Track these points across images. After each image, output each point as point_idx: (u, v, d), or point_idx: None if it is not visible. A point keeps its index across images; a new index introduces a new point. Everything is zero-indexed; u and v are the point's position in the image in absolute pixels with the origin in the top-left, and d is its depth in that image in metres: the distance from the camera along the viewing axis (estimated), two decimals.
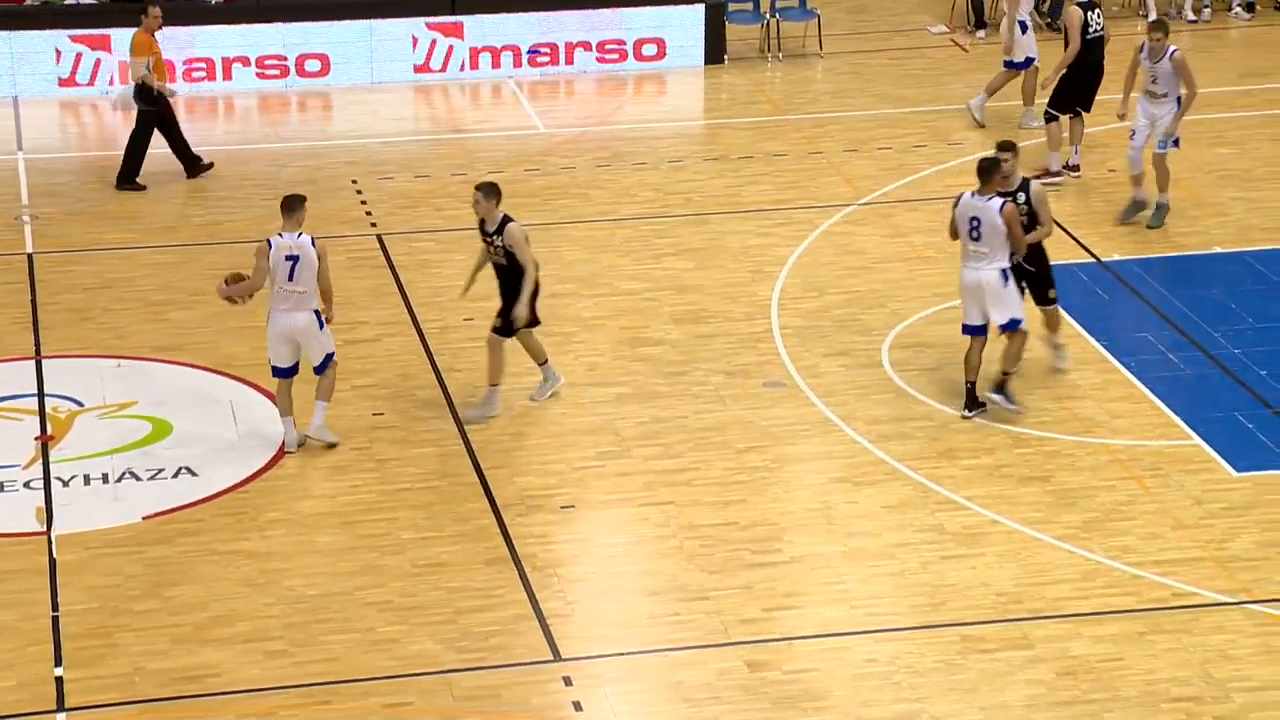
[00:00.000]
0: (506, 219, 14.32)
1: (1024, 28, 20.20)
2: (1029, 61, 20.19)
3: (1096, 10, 18.70)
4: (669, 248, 17.72)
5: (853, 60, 22.75)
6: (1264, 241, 17.57)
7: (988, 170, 14.37)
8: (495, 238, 14.34)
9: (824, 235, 17.93)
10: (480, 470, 13.99)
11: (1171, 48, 17.47)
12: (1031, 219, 14.64)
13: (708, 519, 13.36)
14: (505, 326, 14.51)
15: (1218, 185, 18.86)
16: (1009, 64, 20.30)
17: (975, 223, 14.35)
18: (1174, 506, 13.49)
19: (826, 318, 16.23)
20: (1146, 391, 15.01)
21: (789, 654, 11.93)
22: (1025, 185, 14.68)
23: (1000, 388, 14.66)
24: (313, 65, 21.87)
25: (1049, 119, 18.79)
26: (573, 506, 13.58)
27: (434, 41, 22.04)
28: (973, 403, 14.63)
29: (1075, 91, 18.65)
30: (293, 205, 14.06)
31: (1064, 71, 18.59)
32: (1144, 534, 13.16)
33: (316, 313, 13.97)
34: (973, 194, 14.44)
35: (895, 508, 13.51)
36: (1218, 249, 17.49)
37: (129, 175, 19.06)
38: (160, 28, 19.18)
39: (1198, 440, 14.31)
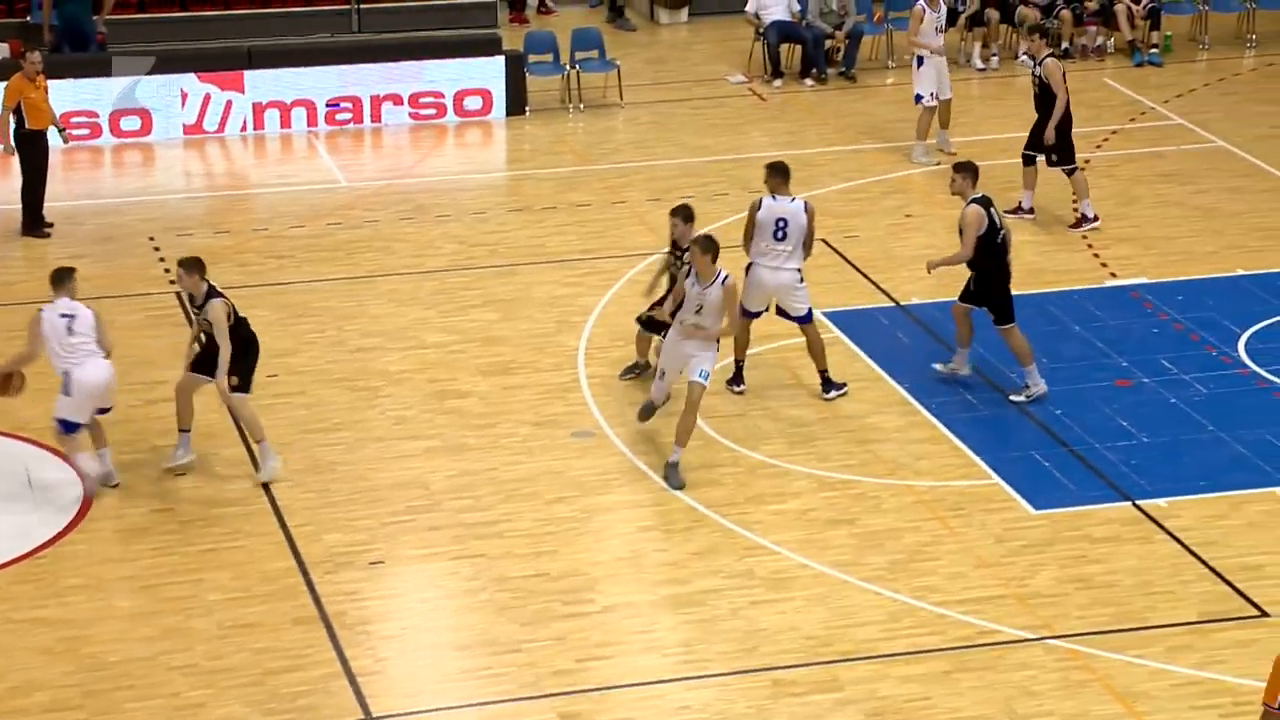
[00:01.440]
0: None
1: (919, 63, 20.65)
2: (919, 98, 20.64)
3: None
4: (476, 299, 17.68)
5: (654, 110, 22.94)
6: (1055, 283, 17.99)
7: (784, 170, 15.40)
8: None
9: (629, 284, 18.02)
10: (286, 528, 13.81)
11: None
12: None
13: (519, 571, 13.32)
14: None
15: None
16: (917, 99, 20.76)
17: (782, 223, 15.20)
18: (976, 545, 13.73)
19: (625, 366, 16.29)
20: (948, 433, 15.27)
21: (603, 704, 11.91)
22: None
23: (827, 384, 15.56)
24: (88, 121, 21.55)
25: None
26: (382, 562, 13.45)
27: (209, 96, 21.78)
28: (738, 379, 15.66)
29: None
30: (61, 278, 14.07)
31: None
32: (948, 573, 13.37)
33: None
34: (774, 197, 15.15)
35: (704, 554, 13.58)
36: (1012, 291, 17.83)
37: (34, 221, 18.91)
38: (39, 74, 18.83)
39: (997, 480, 14.59)
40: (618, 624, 12.76)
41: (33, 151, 18.90)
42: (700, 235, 14.71)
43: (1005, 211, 18.59)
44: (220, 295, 14.16)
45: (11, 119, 18.80)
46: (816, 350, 15.70)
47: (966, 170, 15.53)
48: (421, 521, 13.97)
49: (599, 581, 13.23)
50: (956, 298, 15.77)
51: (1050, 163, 19.05)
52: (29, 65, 18.86)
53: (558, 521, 13.97)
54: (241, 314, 14.27)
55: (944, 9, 21.09)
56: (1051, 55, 19.00)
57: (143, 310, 17.25)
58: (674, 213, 15.47)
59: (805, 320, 15.62)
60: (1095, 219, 19.05)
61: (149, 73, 21.53)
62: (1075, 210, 19.24)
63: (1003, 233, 15.51)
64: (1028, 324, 15.95)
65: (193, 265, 14.23)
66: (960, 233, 15.49)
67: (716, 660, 12.36)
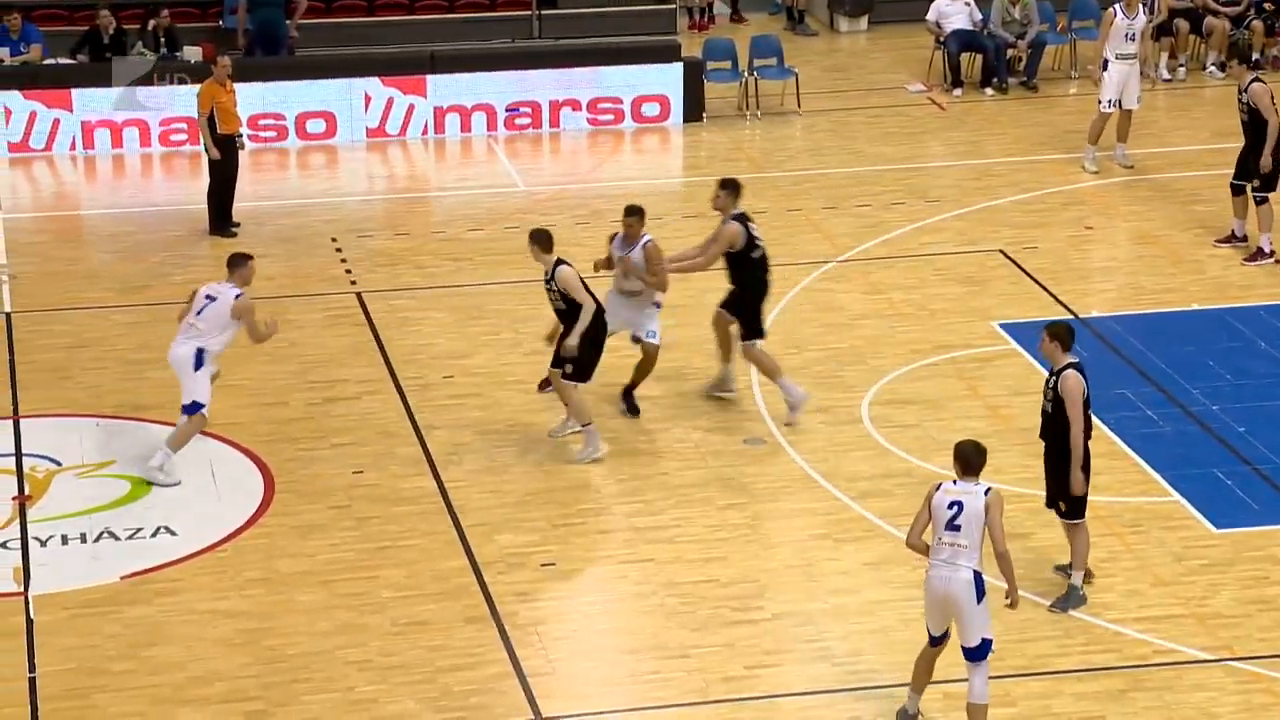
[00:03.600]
0: (560, 262, 14.63)
1: (1105, 66, 20.37)
2: (1108, 102, 20.31)
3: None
4: None
5: (831, 118, 22.86)
6: (1240, 298, 17.64)
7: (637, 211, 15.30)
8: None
9: (803, 292, 17.97)
10: (460, 527, 13.94)
11: None
12: None
13: (689, 576, 13.32)
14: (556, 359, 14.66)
15: (1194, 244, 18.95)
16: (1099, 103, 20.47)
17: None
18: (1154, 563, 13.49)
19: (806, 374, 16.23)
20: (1126, 449, 15.02)
21: (771, 712, 11.88)
22: None
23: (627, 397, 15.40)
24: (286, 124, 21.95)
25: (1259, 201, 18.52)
26: (553, 564, 13.53)
27: (392, 100, 22.11)
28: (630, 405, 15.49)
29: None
30: (233, 263, 14.59)
31: None
32: (1125, 590, 13.15)
33: (199, 350, 14.22)
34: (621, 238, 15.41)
35: (876, 564, 13.48)
36: (1195, 306, 17.56)
37: (222, 221, 19.26)
38: (228, 78, 19.23)
39: (1177, 497, 14.33)
40: (787, 631, 12.72)
41: (223, 156, 19.26)
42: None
43: (1217, 241, 18.29)
44: (566, 263, 14.55)
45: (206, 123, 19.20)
46: (644, 369, 15.46)
47: (730, 187, 15.47)
48: (592, 524, 14.03)
49: (769, 589, 13.20)
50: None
51: (1254, 188, 18.43)
52: (220, 69, 19.26)
53: (729, 528, 13.95)
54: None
55: (1141, 16, 20.69)
56: (1257, 80, 18.29)
57: (323, 309, 17.53)
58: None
59: (646, 337, 15.44)
60: (1272, 254, 18.40)
61: (333, 75, 21.90)
62: (1251, 241, 18.54)
63: (760, 251, 15.36)
64: (1212, 339, 15.66)
65: (540, 238, 14.62)
66: (710, 243, 15.48)
67: (886, 671, 12.26)
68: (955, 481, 11.58)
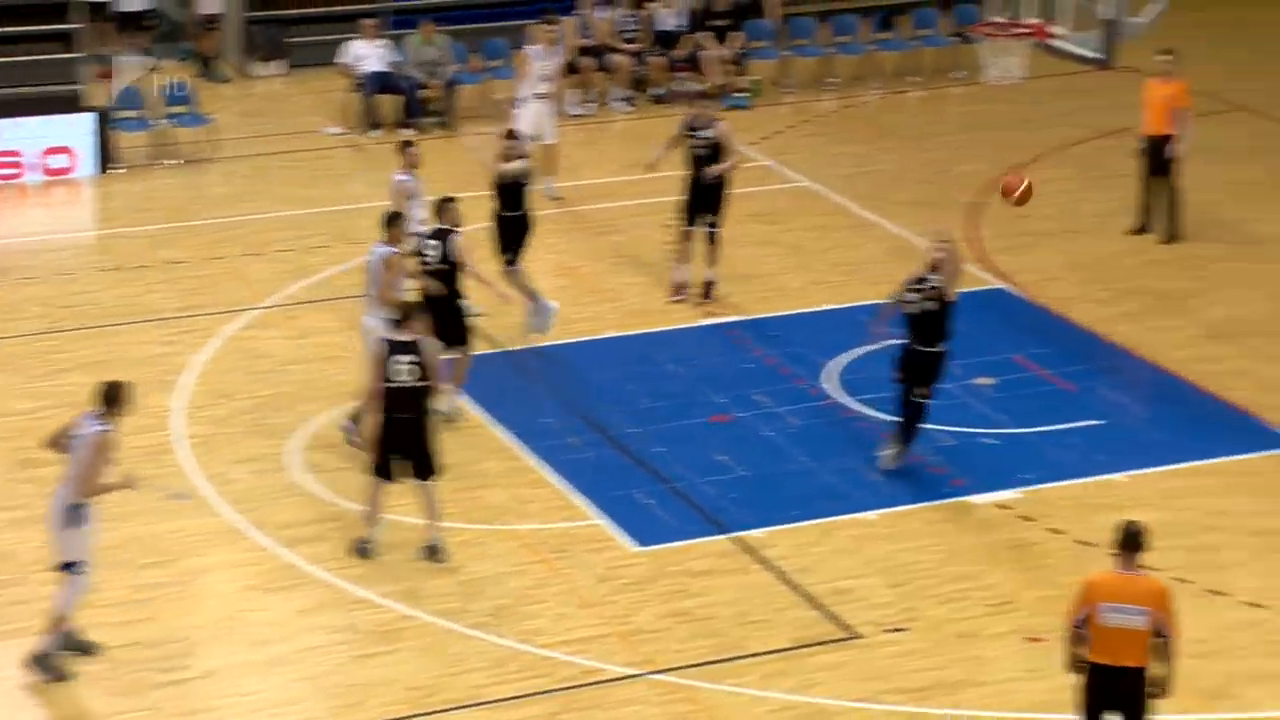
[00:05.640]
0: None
1: (516, 105, 20.77)
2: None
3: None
4: (65, 363, 17.12)
5: (251, 164, 22.60)
6: (655, 324, 18.29)
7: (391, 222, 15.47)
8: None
9: (229, 341, 17.70)
10: None
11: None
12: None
13: (111, 640, 12.88)
14: None
15: (610, 272, 19.55)
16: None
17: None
18: (580, 586, 13.84)
19: (234, 424, 15.99)
20: (550, 476, 15.37)
21: None
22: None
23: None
24: None
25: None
26: None
27: None
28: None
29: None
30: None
31: None
32: (554, 615, 13.44)
33: None
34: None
35: (309, 611, 13.37)
36: (610, 334, 18.11)
37: None
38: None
39: (600, 519, 14.74)
40: (217, 688, 12.45)
41: None
42: None
43: (672, 298, 18.45)
44: None
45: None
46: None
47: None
48: (5, 596, 13.41)
49: (198, 646, 12.90)
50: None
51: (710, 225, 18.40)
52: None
53: (152, 588, 13.58)
54: None
55: (555, 56, 21.26)
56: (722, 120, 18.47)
57: None
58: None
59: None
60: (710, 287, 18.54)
61: None
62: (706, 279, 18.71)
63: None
64: (628, 364, 16.20)
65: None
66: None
67: (324, 717, 12.16)
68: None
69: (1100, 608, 10.72)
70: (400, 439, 13.84)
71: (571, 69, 24.50)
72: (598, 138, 23.94)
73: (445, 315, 15.60)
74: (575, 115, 24.48)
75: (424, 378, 13.77)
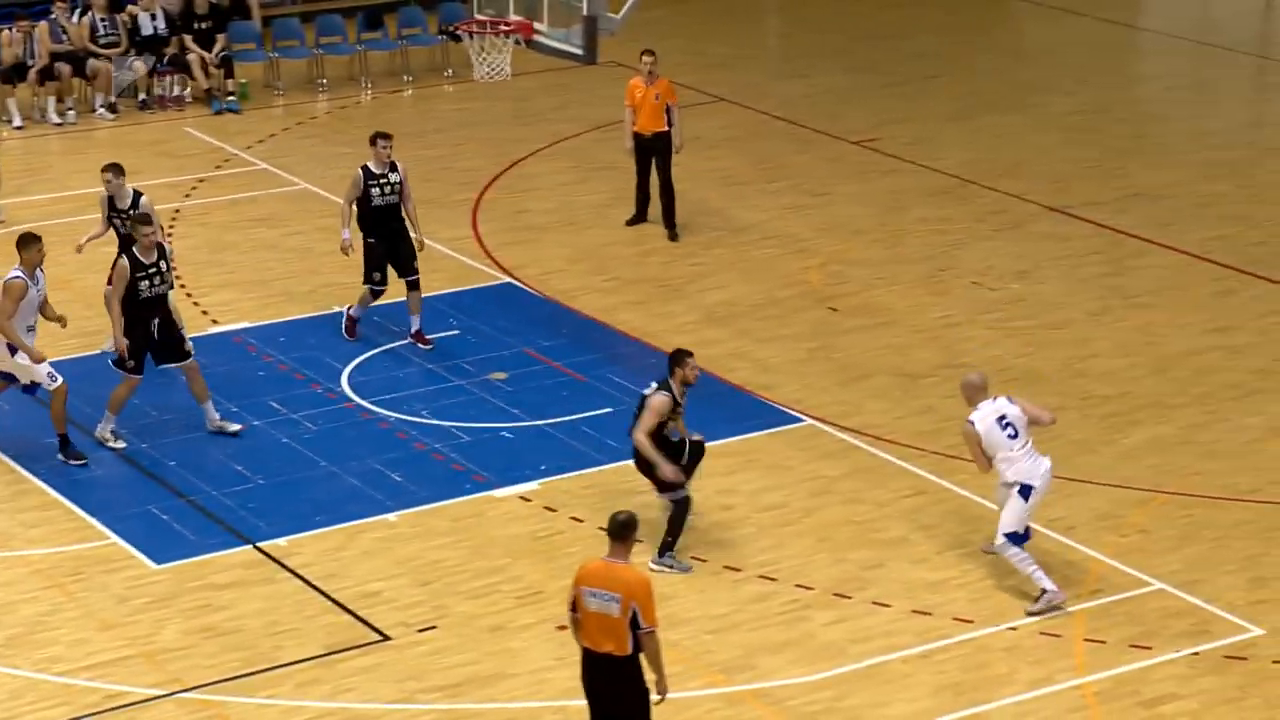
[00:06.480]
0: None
1: None
2: None
3: None
4: None
5: None
6: None
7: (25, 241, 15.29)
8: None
9: None
10: None
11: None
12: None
13: None
14: None
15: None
16: None
17: None
18: (99, 608, 13.37)
19: None
20: (61, 498, 14.80)
21: None
22: None
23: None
24: None
25: None
26: None
27: None
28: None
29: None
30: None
31: None
32: (71, 640, 12.95)
33: None
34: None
35: None
36: (105, 348, 17.49)
37: None
38: None
39: (115, 538, 14.28)
40: None
41: None
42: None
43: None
44: None
45: None
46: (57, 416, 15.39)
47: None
48: None
49: None
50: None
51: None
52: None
53: None
54: None
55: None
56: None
57: None
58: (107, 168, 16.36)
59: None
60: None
61: None
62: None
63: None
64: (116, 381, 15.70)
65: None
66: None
67: None
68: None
69: (583, 592, 10.90)
70: None
71: (47, 75, 23.62)
72: (84, 147, 23.11)
73: None
74: (57, 124, 23.61)
75: None
